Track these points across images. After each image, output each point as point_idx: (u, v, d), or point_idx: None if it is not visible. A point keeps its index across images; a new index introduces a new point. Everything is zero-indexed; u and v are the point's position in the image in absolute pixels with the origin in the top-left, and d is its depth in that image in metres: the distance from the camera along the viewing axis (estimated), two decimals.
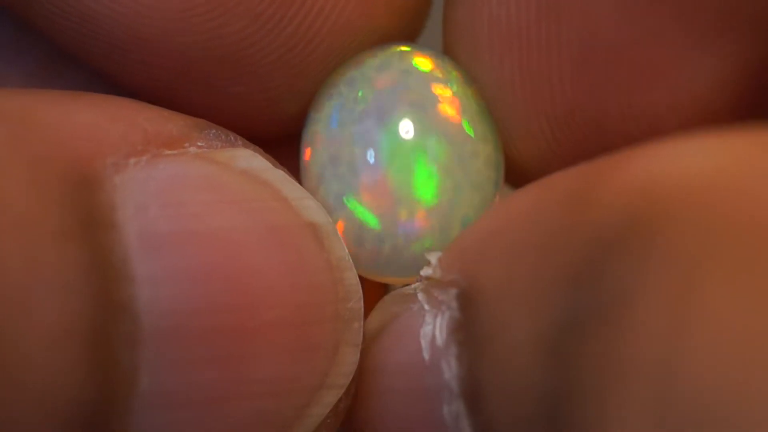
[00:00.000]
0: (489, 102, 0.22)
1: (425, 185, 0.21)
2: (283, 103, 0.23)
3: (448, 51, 0.23)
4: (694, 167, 0.16)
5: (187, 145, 0.19)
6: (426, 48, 0.23)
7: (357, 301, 0.20)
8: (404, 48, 0.23)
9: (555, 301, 0.16)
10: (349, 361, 0.20)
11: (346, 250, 0.20)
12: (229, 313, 0.18)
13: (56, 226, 0.17)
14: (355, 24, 0.22)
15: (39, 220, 0.17)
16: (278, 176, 0.20)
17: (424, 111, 0.22)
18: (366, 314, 0.20)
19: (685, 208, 0.15)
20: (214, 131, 0.20)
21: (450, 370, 0.18)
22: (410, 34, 0.23)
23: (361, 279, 0.20)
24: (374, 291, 0.22)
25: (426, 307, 0.19)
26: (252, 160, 0.20)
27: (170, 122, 0.20)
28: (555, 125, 0.22)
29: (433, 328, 0.19)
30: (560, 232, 0.17)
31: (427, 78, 0.22)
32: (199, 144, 0.20)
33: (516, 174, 0.23)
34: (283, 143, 0.23)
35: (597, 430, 0.15)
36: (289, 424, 0.19)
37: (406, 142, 0.21)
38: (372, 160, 0.21)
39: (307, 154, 0.22)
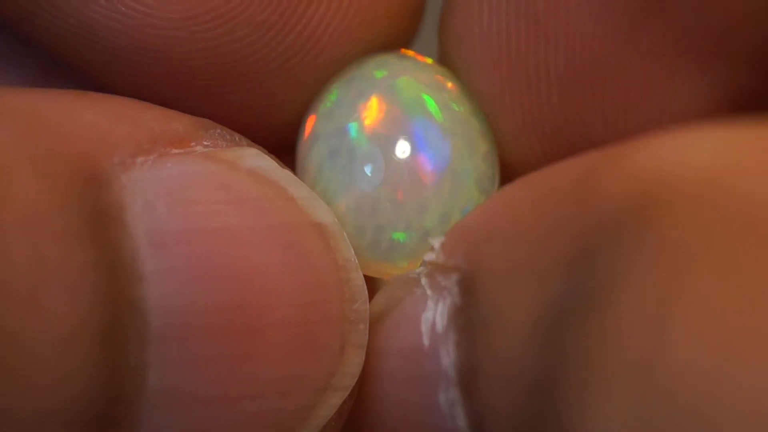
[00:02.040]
0: (483, 111, 0.22)
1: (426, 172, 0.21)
2: (283, 111, 0.23)
3: (443, 60, 0.23)
4: (695, 159, 0.16)
5: (193, 144, 0.19)
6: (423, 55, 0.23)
7: (363, 303, 0.20)
8: (404, 52, 0.23)
9: (550, 286, 0.16)
10: (354, 362, 0.20)
11: (353, 252, 0.20)
12: (236, 311, 0.18)
13: (64, 224, 0.17)
14: (355, 32, 0.22)
15: (46, 219, 0.17)
16: (285, 176, 0.20)
17: (423, 101, 0.22)
18: None
19: (682, 198, 0.15)
20: (219, 131, 0.20)
21: (448, 357, 0.18)
22: (405, 39, 0.24)
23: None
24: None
25: (428, 292, 0.19)
26: (259, 159, 0.20)
27: (176, 121, 0.20)
28: (544, 140, 0.22)
29: (434, 314, 0.19)
30: (561, 218, 0.17)
31: (427, 70, 0.22)
32: (205, 143, 0.20)
33: (510, 178, 0.23)
34: (282, 151, 0.23)
35: (578, 422, 0.15)
36: (295, 425, 0.19)
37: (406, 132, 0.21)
38: (373, 154, 0.21)
39: (303, 146, 0.22)
